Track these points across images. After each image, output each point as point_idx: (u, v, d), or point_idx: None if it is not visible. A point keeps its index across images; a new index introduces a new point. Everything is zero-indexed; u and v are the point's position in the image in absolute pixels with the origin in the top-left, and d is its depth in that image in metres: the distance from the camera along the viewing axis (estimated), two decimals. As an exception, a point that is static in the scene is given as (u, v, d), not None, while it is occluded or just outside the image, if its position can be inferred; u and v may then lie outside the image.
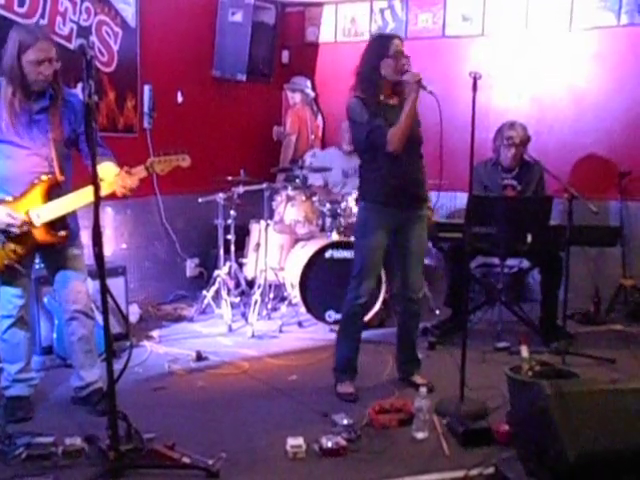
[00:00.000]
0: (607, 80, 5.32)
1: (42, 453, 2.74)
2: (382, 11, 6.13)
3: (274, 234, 5.03)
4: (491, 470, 2.72)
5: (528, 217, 4.22)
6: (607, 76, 5.32)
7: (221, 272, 4.92)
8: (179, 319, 4.95)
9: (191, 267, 5.67)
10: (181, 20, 5.40)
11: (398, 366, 3.79)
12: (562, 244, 4.03)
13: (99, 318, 3.07)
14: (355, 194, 4.92)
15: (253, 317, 4.70)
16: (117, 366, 2.65)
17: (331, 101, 6.34)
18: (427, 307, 4.94)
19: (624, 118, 5.24)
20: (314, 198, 4.99)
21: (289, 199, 4.95)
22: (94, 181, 2.60)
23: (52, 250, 3.18)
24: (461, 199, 5.40)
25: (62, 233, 3.12)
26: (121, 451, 2.63)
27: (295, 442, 2.88)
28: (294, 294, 4.83)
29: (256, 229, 5.16)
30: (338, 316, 4.66)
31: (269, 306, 4.96)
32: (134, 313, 4.76)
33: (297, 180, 5.04)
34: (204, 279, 5.49)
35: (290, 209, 4.91)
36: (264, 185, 4.93)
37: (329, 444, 2.87)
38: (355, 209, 4.92)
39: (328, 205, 4.98)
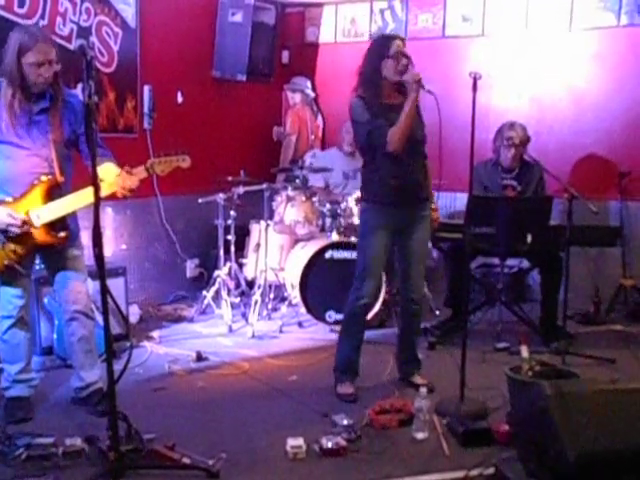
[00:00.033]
0: (607, 80, 5.32)
1: (42, 454, 2.74)
2: (382, 11, 6.13)
3: (274, 234, 5.03)
4: (491, 470, 2.72)
5: (528, 217, 4.22)
6: (607, 76, 5.32)
7: (221, 272, 4.92)
8: (179, 319, 4.95)
9: (191, 267, 5.67)
10: (181, 20, 5.41)
11: (398, 366, 3.79)
12: (562, 244, 4.03)
13: (99, 319, 3.07)
14: (355, 194, 4.93)
15: (253, 317, 4.70)
16: (117, 367, 2.65)
17: (331, 101, 6.35)
18: (427, 307, 4.93)
19: (624, 118, 5.24)
20: (314, 198, 4.99)
21: (289, 199, 4.95)
22: (94, 182, 2.60)
23: (52, 251, 3.18)
24: (461, 199, 5.40)
25: (62, 234, 3.12)
26: (121, 451, 2.62)
27: (295, 442, 2.88)
28: (294, 294, 4.83)
29: (256, 229, 5.17)
30: (338, 316, 4.67)
31: (269, 306, 4.96)
32: (134, 314, 4.76)
33: (297, 180, 5.04)
34: (204, 279, 5.49)
35: (290, 209, 4.92)
36: (264, 185, 4.93)
37: (329, 444, 2.87)
38: (355, 209, 4.92)
39: (328, 205, 4.98)
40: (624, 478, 2.42)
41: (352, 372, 3.61)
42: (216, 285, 4.93)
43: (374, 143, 3.40)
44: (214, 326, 4.78)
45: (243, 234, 5.27)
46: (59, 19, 4.41)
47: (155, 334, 4.55)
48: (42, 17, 4.29)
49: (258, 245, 4.99)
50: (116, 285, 4.16)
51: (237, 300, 5.02)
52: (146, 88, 5.15)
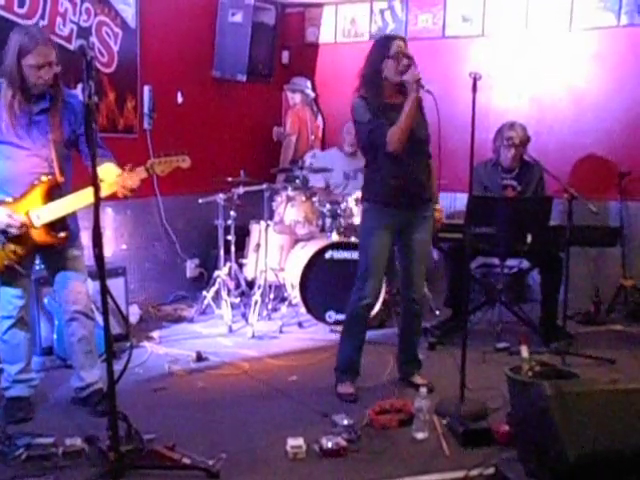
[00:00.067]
0: (607, 80, 5.32)
1: (42, 454, 2.74)
2: (382, 12, 6.14)
3: (274, 235, 5.03)
4: (491, 470, 2.72)
5: (528, 217, 4.22)
6: (607, 76, 5.32)
7: (221, 273, 4.92)
8: (179, 320, 4.95)
9: (191, 268, 5.67)
10: (181, 21, 5.41)
11: (399, 366, 3.79)
12: (562, 244, 4.03)
13: (99, 319, 3.07)
14: (355, 194, 4.93)
15: (253, 318, 4.70)
16: (117, 367, 2.64)
17: (331, 102, 6.35)
18: (427, 307, 4.93)
19: (624, 118, 5.24)
20: (314, 199, 4.99)
21: (289, 200, 4.95)
22: (94, 182, 2.60)
23: (52, 251, 3.18)
24: (461, 200, 5.40)
25: (62, 234, 3.12)
26: (121, 452, 2.62)
27: (295, 442, 2.88)
28: (294, 295, 4.83)
29: (256, 230, 5.17)
30: (338, 317, 4.68)
31: (269, 307, 4.96)
32: (134, 314, 4.76)
33: (297, 181, 5.04)
34: (204, 280, 5.49)
35: (290, 210, 4.92)
36: (264, 186, 4.93)
37: (329, 444, 2.87)
38: (355, 210, 4.92)
39: (328, 206, 4.98)
40: (624, 478, 2.42)
41: (353, 372, 3.61)
42: (216, 285, 4.93)
43: (375, 143, 3.40)
44: (214, 326, 4.78)
45: (243, 234, 5.27)
46: (59, 19, 4.41)
47: (155, 334, 4.55)
48: (42, 17, 4.29)
49: (258, 245, 4.99)
50: (116, 285, 4.16)
51: (237, 300, 5.02)
52: (146, 88, 5.15)
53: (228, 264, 5.00)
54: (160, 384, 3.70)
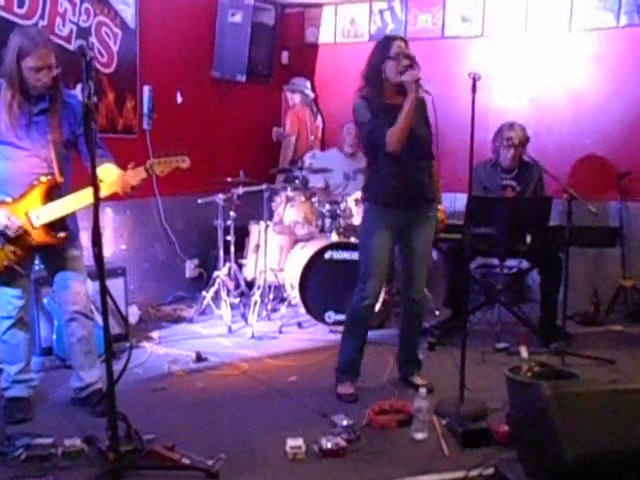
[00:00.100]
0: (606, 81, 5.32)
1: (42, 454, 2.74)
2: (381, 12, 6.14)
3: (274, 235, 5.03)
4: (490, 471, 2.72)
5: (527, 218, 4.22)
6: (606, 77, 5.32)
7: (221, 273, 4.92)
8: (179, 320, 4.95)
9: (191, 268, 5.67)
10: (181, 21, 5.41)
11: (398, 366, 3.79)
12: (561, 245, 4.03)
13: (99, 319, 3.07)
14: (355, 195, 4.93)
15: (253, 318, 4.70)
16: (117, 367, 2.65)
17: (331, 102, 6.35)
18: (427, 308, 4.92)
19: (623, 119, 5.25)
20: (313, 199, 4.99)
21: (288, 200, 4.95)
22: (93, 182, 2.60)
23: (52, 251, 3.18)
24: (461, 200, 5.40)
25: (62, 234, 3.12)
26: (121, 452, 2.62)
27: (295, 443, 2.88)
28: (294, 295, 4.84)
29: (256, 230, 5.17)
30: (338, 317, 4.68)
31: (269, 307, 4.96)
32: (134, 314, 4.75)
33: (296, 181, 5.04)
34: (204, 280, 5.48)
35: (289, 210, 4.92)
36: (263, 186, 4.93)
37: (329, 445, 2.87)
38: (355, 210, 4.93)
39: (327, 206, 4.98)
40: (623, 479, 2.43)
41: (354, 372, 3.61)
42: (215, 286, 4.93)
43: (375, 143, 3.40)
44: (213, 327, 4.78)
45: (242, 235, 5.27)
46: (58, 19, 4.41)
47: (154, 334, 4.55)
48: (42, 17, 4.29)
49: (257, 246, 5.00)
50: (115, 285, 4.16)
51: (236, 301, 5.02)
52: (145, 88, 5.15)
53: (227, 264, 5.00)
54: (159, 384, 3.70)
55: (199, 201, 5.02)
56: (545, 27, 5.49)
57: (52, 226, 3.09)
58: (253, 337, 4.57)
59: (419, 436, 3.05)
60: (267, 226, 4.86)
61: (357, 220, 4.89)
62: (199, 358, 4.07)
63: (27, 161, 3.06)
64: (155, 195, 5.27)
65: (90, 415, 3.23)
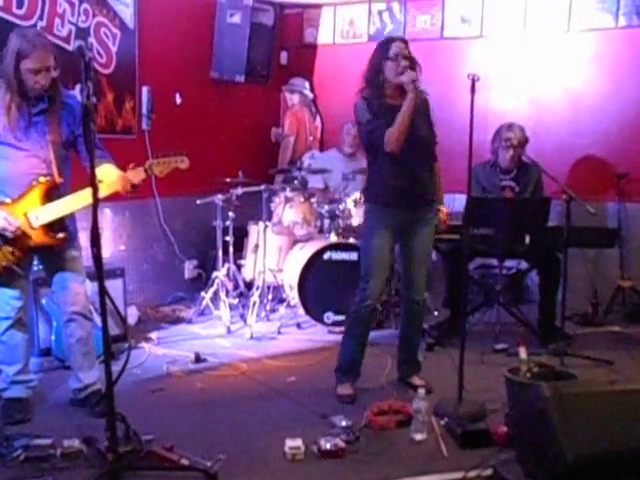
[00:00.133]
0: (605, 82, 5.33)
1: (40, 455, 2.74)
2: (380, 13, 6.14)
3: (272, 236, 5.03)
4: (489, 472, 2.72)
5: (526, 218, 4.22)
6: (605, 78, 5.33)
7: (219, 274, 4.91)
8: (177, 321, 4.94)
9: (189, 269, 5.67)
10: (180, 21, 5.41)
11: (398, 366, 3.79)
12: (560, 245, 4.04)
13: (97, 320, 3.07)
14: (354, 195, 4.93)
15: (252, 319, 4.70)
16: (115, 368, 2.64)
17: (329, 102, 6.35)
18: (425, 308, 4.92)
19: (622, 119, 5.25)
20: (312, 200, 4.99)
21: (287, 200, 4.95)
22: (92, 183, 2.60)
23: (50, 252, 3.18)
24: (460, 201, 5.39)
25: (60, 235, 3.12)
26: (119, 453, 2.62)
27: (294, 443, 2.88)
28: (292, 295, 4.84)
29: (254, 231, 5.17)
30: (337, 317, 4.68)
31: (267, 308, 4.96)
32: (132, 315, 4.75)
33: (295, 182, 5.04)
34: (202, 281, 5.48)
35: (288, 210, 4.92)
36: (262, 187, 4.93)
37: (328, 445, 2.87)
38: (353, 211, 4.93)
39: (326, 206, 4.99)
40: (622, 479, 2.43)
41: (354, 373, 3.61)
42: (214, 286, 4.92)
43: (375, 143, 3.41)
44: (212, 327, 4.78)
45: (241, 235, 5.27)
46: (57, 20, 4.41)
47: (153, 335, 4.55)
48: (40, 18, 4.29)
49: (256, 246, 5.00)
50: (114, 286, 4.14)
51: (235, 301, 5.02)
52: (144, 89, 5.15)
53: (226, 265, 4.99)
54: (158, 385, 3.70)
55: (198, 202, 5.02)
56: (544, 28, 5.49)
57: (51, 227, 3.09)
58: (252, 338, 4.56)
59: (418, 437, 3.05)
60: (266, 227, 4.86)
61: (356, 221, 4.89)
62: (198, 359, 4.07)
63: (26, 162, 3.06)
64: (154, 196, 5.27)
65: (89, 416, 3.22)
